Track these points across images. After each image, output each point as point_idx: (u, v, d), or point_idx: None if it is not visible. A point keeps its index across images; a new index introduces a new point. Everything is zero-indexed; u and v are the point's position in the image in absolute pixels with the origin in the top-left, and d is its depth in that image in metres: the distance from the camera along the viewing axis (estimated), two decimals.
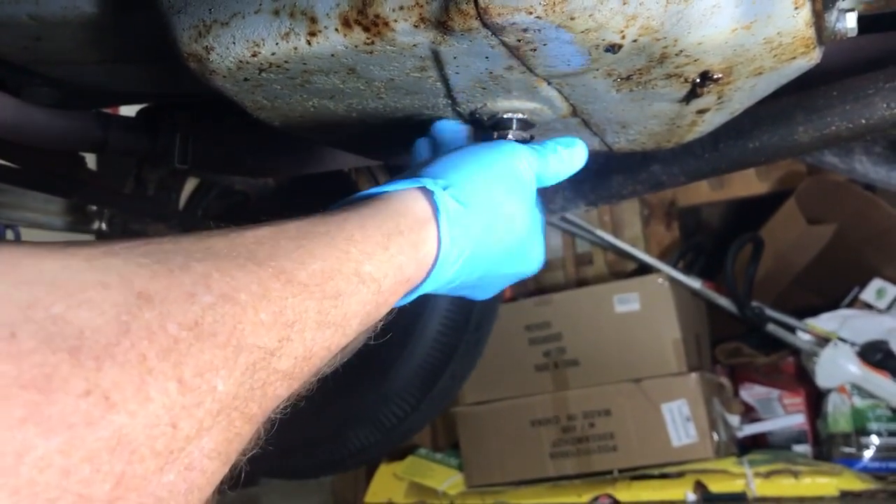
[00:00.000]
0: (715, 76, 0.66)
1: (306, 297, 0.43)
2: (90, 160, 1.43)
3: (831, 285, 2.47)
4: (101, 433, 0.31)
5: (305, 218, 0.50)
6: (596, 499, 2.32)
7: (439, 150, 0.74)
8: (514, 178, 0.64)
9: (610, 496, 2.30)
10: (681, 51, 0.62)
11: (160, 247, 0.40)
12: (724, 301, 2.42)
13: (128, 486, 0.32)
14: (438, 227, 0.55)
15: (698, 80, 0.67)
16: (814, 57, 0.67)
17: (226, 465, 0.38)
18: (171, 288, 0.37)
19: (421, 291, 0.56)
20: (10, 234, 1.95)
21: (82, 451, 0.31)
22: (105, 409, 0.32)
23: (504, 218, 0.62)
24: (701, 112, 0.74)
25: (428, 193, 0.56)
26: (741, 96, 0.72)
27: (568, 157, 0.69)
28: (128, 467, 0.32)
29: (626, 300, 2.39)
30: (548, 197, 1.04)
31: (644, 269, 2.54)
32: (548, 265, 2.83)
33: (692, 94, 0.69)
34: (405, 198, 0.55)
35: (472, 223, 0.58)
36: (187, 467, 0.35)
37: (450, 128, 0.75)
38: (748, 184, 2.60)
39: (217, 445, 0.37)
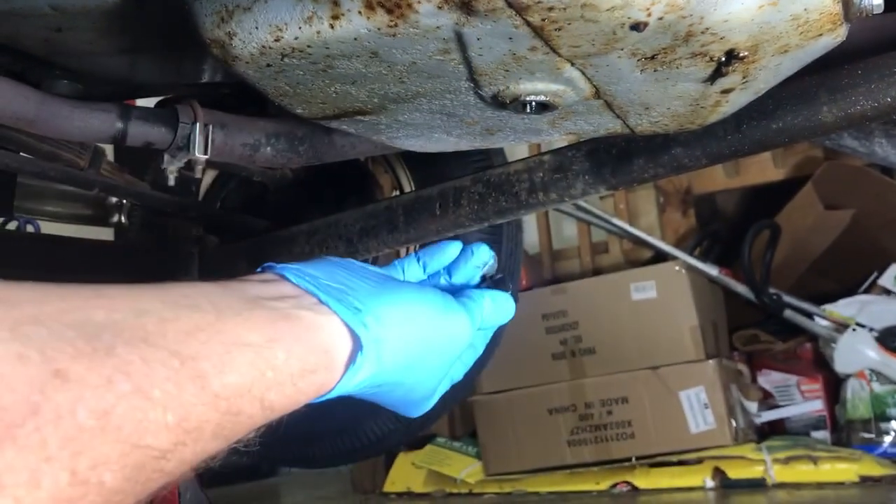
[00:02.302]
0: (741, 54, 0.66)
1: (212, 409, 0.43)
2: (108, 151, 1.43)
3: (849, 271, 2.46)
4: None
5: (251, 306, 0.49)
6: (614, 486, 2.32)
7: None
8: (446, 339, 0.62)
9: (628, 483, 2.30)
10: (706, 28, 0.61)
11: (91, 317, 0.40)
12: (741, 288, 2.41)
13: None
14: (349, 370, 0.54)
15: (724, 59, 0.67)
16: (840, 34, 0.67)
17: None
18: (92, 370, 0.37)
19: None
20: (29, 228, 1.96)
21: None
22: None
23: (419, 375, 0.60)
24: (725, 92, 0.74)
25: (356, 339, 0.54)
26: (766, 75, 0.72)
27: (497, 312, 0.67)
28: None
29: (643, 288, 2.39)
30: (568, 182, 1.04)
31: (660, 257, 2.54)
32: (563, 254, 2.83)
33: (717, 74, 0.69)
34: (338, 332, 0.53)
35: (387, 377, 0.57)
36: None
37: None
38: (764, 170, 2.59)
39: None
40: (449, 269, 0.72)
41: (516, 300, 0.72)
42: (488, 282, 0.73)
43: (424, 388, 0.62)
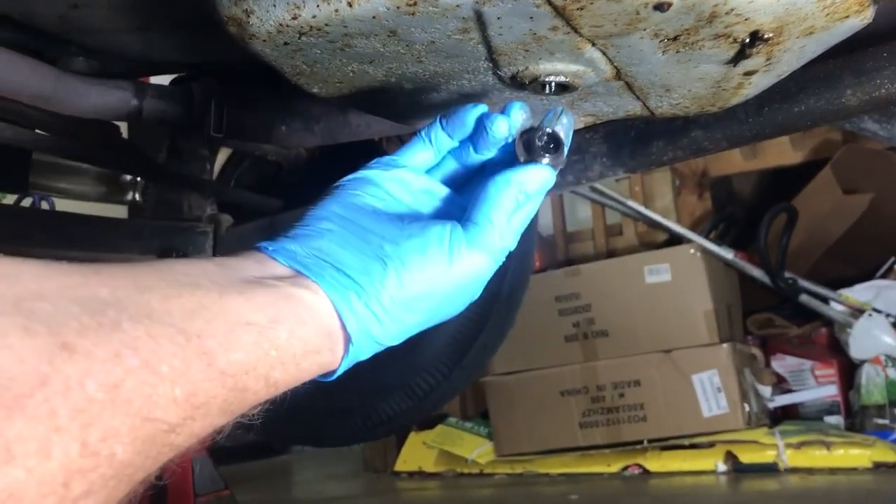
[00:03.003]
0: (765, 36, 0.64)
1: (219, 385, 0.43)
2: (122, 129, 1.43)
3: (866, 256, 2.44)
4: None
5: (251, 285, 0.48)
6: (625, 468, 2.32)
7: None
8: (460, 287, 0.58)
9: (639, 466, 2.31)
10: (731, 9, 0.60)
11: (95, 294, 0.40)
12: (756, 272, 2.40)
13: None
14: (347, 356, 0.53)
15: (748, 41, 0.65)
16: (867, 16, 0.65)
17: None
18: (99, 345, 0.37)
19: None
20: (44, 205, 1.97)
21: None
22: (4, 461, 0.32)
23: (433, 321, 0.58)
24: (748, 74, 0.73)
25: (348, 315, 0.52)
26: (790, 58, 0.71)
27: (528, 196, 0.60)
28: None
29: (657, 271, 2.38)
30: (585, 164, 1.03)
31: (675, 240, 2.53)
32: (577, 236, 2.82)
33: (740, 56, 0.68)
34: (335, 315, 0.52)
35: (394, 342, 0.55)
36: None
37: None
38: (782, 153, 2.57)
39: None
40: (473, 141, 0.64)
41: (559, 166, 0.62)
42: (521, 150, 0.62)
43: (447, 317, 0.59)
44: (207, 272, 0.47)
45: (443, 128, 0.65)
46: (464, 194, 0.64)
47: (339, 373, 0.54)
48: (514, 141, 0.63)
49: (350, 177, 0.63)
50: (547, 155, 0.62)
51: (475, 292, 0.59)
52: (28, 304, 0.37)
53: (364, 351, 0.53)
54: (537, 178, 0.61)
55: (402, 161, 0.64)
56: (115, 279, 0.42)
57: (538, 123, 0.64)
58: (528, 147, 0.62)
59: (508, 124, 0.63)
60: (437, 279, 0.56)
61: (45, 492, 0.33)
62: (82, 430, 0.35)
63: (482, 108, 0.64)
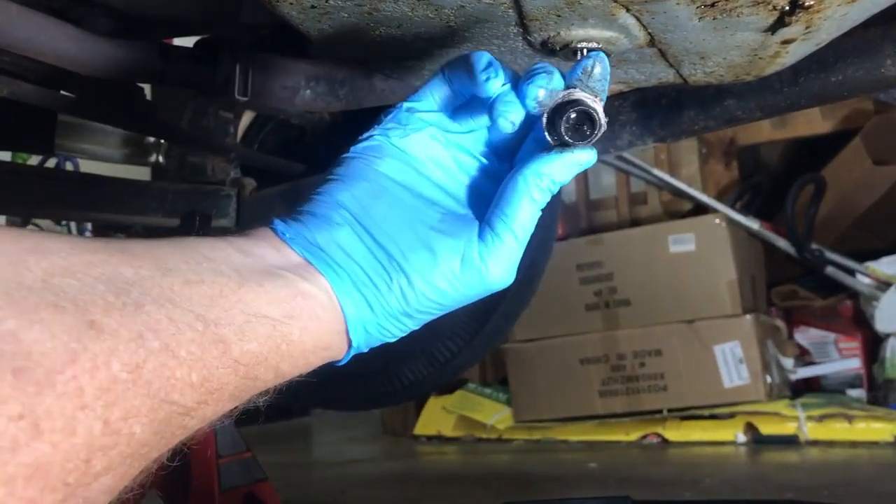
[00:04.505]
0: (806, 4, 0.62)
1: (232, 372, 0.44)
2: (147, 91, 1.42)
3: (894, 228, 2.41)
4: (23, 459, 0.33)
5: (270, 277, 0.48)
6: (644, 437, 2.33)
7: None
8: (472, 298, 0.55)
9: (658, 435, 2.31)
10: None
11: (119, 273, 0.41)
12: (782, 243, 2.37)
13: None
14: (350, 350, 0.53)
15: (787, 8, 0.63)
16: None
17: (111, 496, 0.39)
18: (123, 325, 0.38)
19: None
20: (69, 166, 1.98)
21: (2, 474, 0.32)
22: (32, 436, 0.33)
23: (440, 313, 0.55)
24: (786, 43, 0.71)
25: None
26: (830, 26, 0.68)
27: (557, 176, 0.54)
28: (38, 495, 0.33)
29: (681, 241, 2.36)
30: (614, 133, 1.01)
31: (700, 210, 2.50)
32: (600, 204, 2.80)
33: (779, 24, 0.66)
34: (342, 313, 0.52)
35: (396, 336, 0.55)
36: (85, 500, 0.36)
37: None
38: (811, 122, 2.52)
39: (114, 483, 0.38)
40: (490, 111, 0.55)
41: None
42: (549, 132, 0.54)
43: (454, 302, 0.55)
44: (229, 258, 0.48)
45: (449, 84, 0.58)
46: (499, 151, 0.59)
47: (341, 363, 0.54)
48: (541, 115, 0.54)
49: (364, 145, 0.59)
50: (580, 138, 0.54)
51: (483, 296, 0.56)
52: (56, 280, 0.37)
53: (365, 347, 0.54)
54: (572, 164, 0.54)
55: (419, 107, 0.58)
56: (139, 259, 0.43)
57: (565, 84, 0.55)
58: (555, 131, 0.54)
59: (514, 121, 0.54)
60: (443, 295, 0.53)
61: (69, 467, 0.34)
62: (106, 408, 0.36)
63: (480, 73, 0.54)
